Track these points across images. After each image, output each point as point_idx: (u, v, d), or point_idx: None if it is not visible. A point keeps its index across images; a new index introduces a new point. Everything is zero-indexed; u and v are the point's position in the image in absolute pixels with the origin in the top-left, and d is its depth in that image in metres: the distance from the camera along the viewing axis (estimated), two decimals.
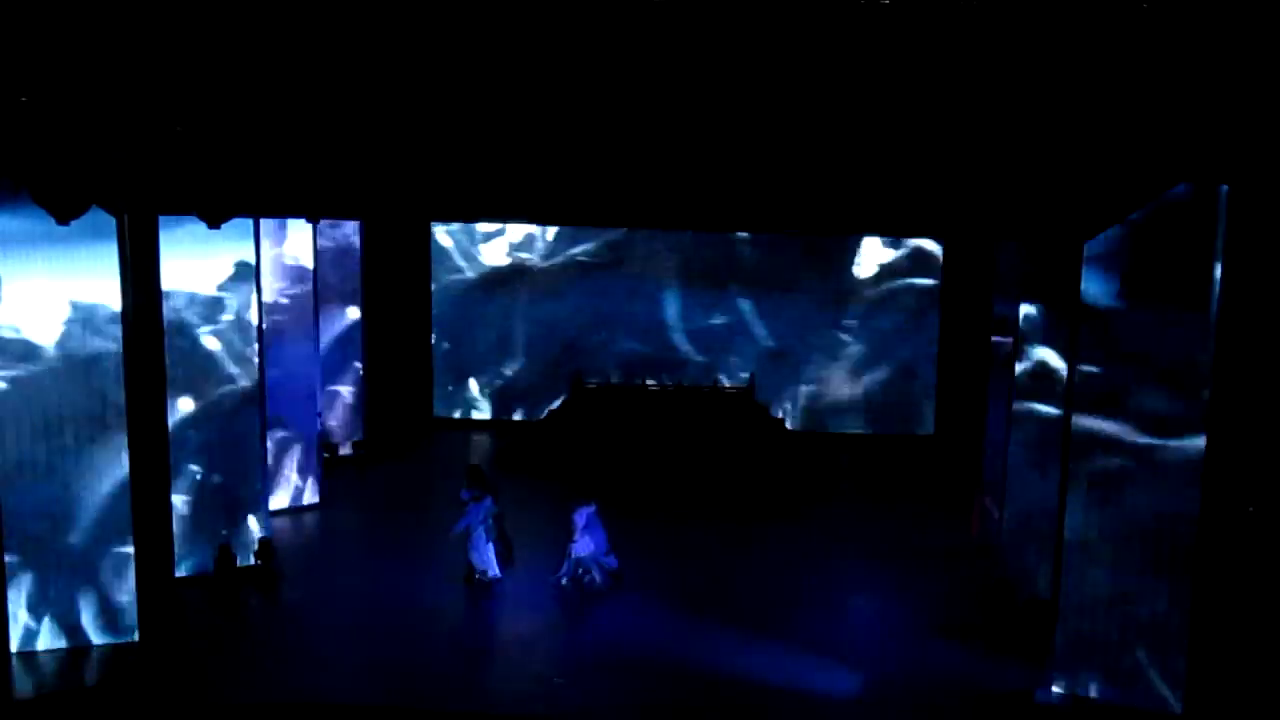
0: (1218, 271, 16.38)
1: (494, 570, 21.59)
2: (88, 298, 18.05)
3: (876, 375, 29.81)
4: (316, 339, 24.79)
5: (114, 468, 18.43)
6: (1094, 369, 17.13)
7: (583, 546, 21.57)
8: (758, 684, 18.48)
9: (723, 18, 14.82)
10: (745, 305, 29.78)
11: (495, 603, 21.25)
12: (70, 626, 18.64)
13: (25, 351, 17.92)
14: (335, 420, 27.28)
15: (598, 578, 21.52)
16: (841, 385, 29.86)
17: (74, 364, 18.06)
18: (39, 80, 15.18)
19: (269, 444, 22.74)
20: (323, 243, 25.17)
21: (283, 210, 20.28)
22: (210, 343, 21.24)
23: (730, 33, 14.96)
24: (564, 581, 21.49)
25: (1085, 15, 14.32)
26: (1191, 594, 17.15)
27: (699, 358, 29.91)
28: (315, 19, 15.02)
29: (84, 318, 18.09)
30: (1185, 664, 17.27)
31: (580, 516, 21.66)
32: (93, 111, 15.50)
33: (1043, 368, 20.61)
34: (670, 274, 29.75)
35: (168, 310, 19.95)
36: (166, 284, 19.60)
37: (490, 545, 21.55)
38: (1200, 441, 16.85)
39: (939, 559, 23.12)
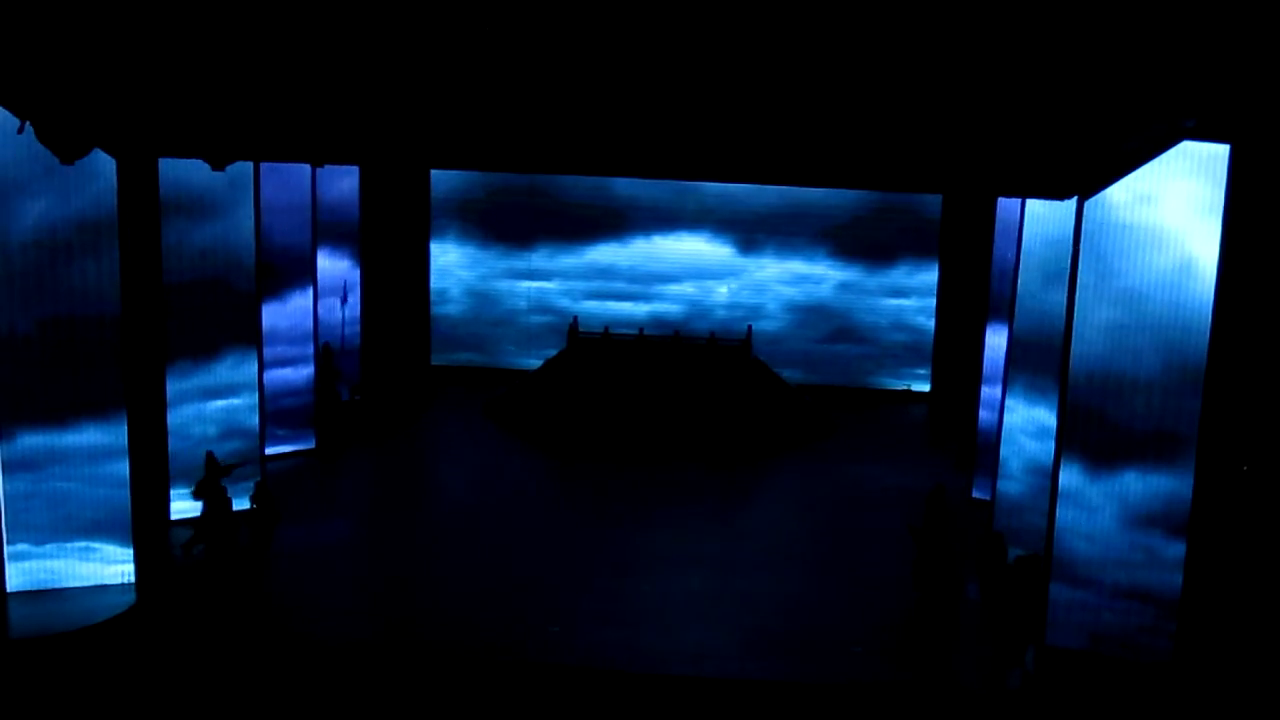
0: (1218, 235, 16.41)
1: None
2: None
3: (874, 330, 29.83)
4: (315, 283, 24.72)
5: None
6: (1091, 325, 17.22)
7: None
8: (740, 630, 18.75)
9: None
10: (742, 256, 29.77)
11: (488, 549, 21.38)
12: (65, 567, 18.77)
13: None
14: (333, 365, 27.22)
15: None
16: (837, 339, 29.89)
17: None
18: (45, 17, 15.09)
19: (265, 388, 22.71)
20: (321, 186, 25.02)
21: (287, 154, 20.20)
22: (207, 284, 21.19)
23: None
24: None
25: None
26: (1186, 549, 17.27)
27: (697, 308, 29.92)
28: None
29: None
30: (1177, 617, 17.45)
31: None
32: (97, 49, 15.41)
33: (1040, 323, 20.60)
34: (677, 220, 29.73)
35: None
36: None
37: None
38: (1196, 401, 16.94)
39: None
